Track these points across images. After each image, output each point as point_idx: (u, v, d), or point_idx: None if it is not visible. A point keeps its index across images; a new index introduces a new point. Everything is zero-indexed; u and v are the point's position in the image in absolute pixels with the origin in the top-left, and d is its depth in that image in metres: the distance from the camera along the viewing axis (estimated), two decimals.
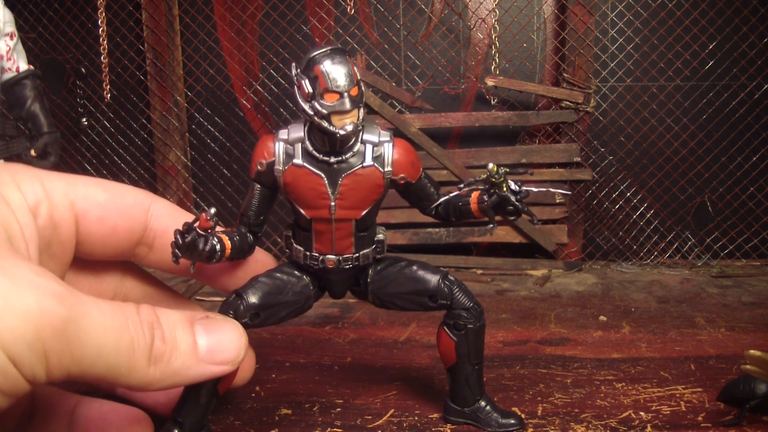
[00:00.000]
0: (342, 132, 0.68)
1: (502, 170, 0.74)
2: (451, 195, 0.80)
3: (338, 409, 0.92)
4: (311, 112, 0.67)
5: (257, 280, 0.80)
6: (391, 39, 1.84)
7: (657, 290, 1.54)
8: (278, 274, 0.81)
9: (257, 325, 0.79)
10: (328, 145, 0.71)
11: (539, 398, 0.94)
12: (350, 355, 1.15)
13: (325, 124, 0.67)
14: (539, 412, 0.90)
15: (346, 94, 0.66)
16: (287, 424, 0.88)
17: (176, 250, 0.67)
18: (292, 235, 0.80)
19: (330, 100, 0.66)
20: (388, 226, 1.83)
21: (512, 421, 0.85)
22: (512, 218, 0.77)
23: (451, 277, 0.82)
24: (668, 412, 0.88)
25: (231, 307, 0.78)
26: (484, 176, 0.75)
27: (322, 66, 0.65)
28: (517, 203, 0.74)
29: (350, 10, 1.85)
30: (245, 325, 0.78)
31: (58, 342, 0.49)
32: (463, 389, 0.84)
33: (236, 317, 0.77)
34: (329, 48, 0.66)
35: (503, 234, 1.81)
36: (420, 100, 1.83)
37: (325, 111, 0.67)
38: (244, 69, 2.01)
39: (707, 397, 0.93)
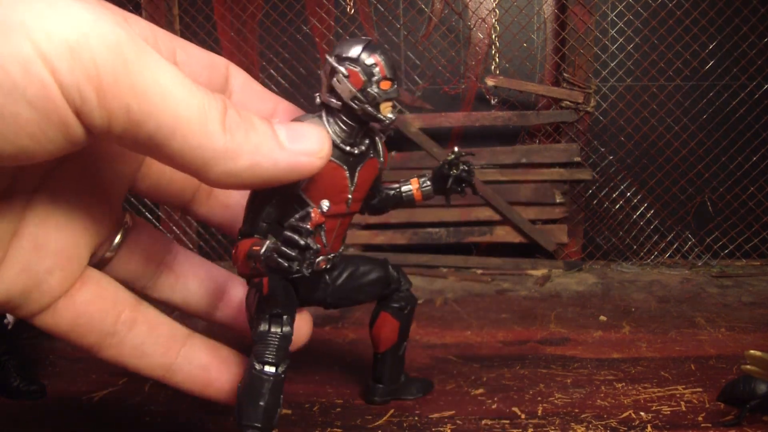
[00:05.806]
0: (393, 118, 0.68)
1: (451, 155, 0.81)
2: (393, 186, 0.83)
3: (338, 409, 0.92)
4: (364, 100, 0.66)
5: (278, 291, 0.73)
6: (391, 39, 1.84)
7: (657, 290, 1.54)
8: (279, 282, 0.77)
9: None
10: (353, 136, 0.69)
11: (539, 398, 0.94)
12: (350, 355, 1.15)
13: (377, 112, 0.67)
14: (539, 412, 0.90)
15: (395, 83, 0.67)
16: (287, 424, 0.88)
17: (292, 258, 0.53)
18: None
19: (386, 88, 0.66)
20: (388, 226, 1.83)
21: (428, 382, 0.96)
22: (458, 189, 0.82)
23: (391, 263, 0.87)
24: (668, 412, 0.88)
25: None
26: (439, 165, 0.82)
27: (378, 55, 0.66)
28: (452, 174, 0.80)
29: (350, 10, 1.85)
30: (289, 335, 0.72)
31: (113, 59, 0.38)
32: (398, 366, 0.91)
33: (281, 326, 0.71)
34: (368, 39, 0.67)
35: (503, 234, 1.81)
36: (420, 100, 1.83)
37: (383, 97, 0.66)
38: (244, 69, 2.00)
39: (707, 397, 0.93)
